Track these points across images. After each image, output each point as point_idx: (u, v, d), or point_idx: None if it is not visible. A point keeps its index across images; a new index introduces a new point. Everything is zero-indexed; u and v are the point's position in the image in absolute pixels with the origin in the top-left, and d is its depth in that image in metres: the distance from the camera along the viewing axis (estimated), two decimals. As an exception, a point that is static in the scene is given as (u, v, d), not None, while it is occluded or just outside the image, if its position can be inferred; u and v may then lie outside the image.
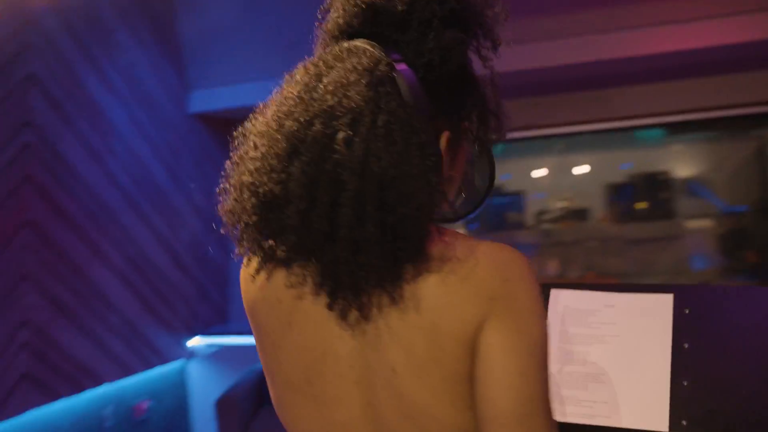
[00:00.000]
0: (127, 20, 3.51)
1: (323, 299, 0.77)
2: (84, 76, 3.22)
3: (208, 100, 3.97)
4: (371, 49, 0.79)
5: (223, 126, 4.30)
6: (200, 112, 4.01)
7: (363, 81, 0.75)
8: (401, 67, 0.78)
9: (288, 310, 0.81)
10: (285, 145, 0.75)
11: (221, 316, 4.38)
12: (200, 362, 4.14)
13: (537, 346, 0.75)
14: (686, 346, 0.98)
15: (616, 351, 1.01)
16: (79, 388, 3.22)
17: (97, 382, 3.33)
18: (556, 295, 1.11)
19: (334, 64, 0.78)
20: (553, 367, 1.05)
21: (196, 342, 4.04)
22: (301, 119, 0.75)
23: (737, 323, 0.97)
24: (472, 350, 0.75)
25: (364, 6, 0.80)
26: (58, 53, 3.07)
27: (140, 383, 3.64)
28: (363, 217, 0.71)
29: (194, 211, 4.07)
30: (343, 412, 0.80)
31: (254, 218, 0.78)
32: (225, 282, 4.41)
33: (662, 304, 1.02)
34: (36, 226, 2.98)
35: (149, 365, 3.69)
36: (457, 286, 0.74)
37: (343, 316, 0.78)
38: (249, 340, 3.90)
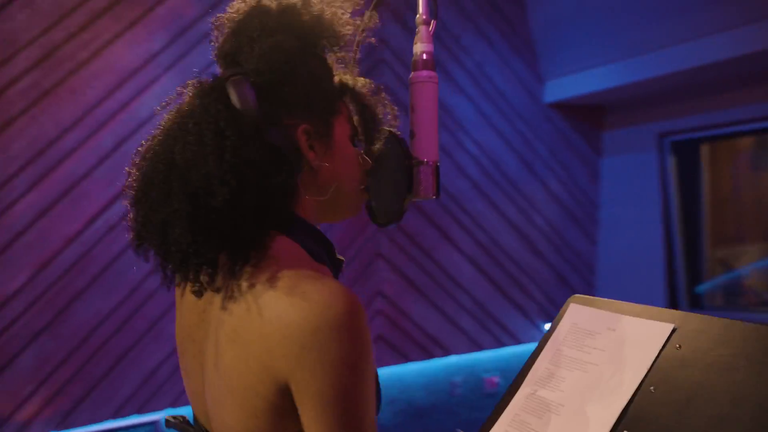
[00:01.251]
0: (474, 24, 3.81)
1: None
2: (431, 81, 3.65)
3: (561, 88, 3.99)
4: (221, 69, 0.93)
5: (578, 113, 4.25)
6: (554, 101, 4.05)
7: (193, 95, 0.89)
8: (235, 78, 0.87)
9: (179, 296, 1.01)
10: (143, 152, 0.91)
11: (586, 304, 4.35)
12: (559, 347, 4.21)
13: (346, 397, 0.77)
14: (652, 389, 0.86)
15: (588, 383, 0.93)
16: (428, 355, 3.69)
17: (446, 352, 3.75)
18: (572, 310, 1.06)
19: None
20: (530, 387, 1.00)
21: (553, 327, 4.13)
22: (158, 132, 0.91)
23: (721, 377, 0.80)
24: (278, 386, 0.79)
25: (221, 37, 0.94)
26: (407, 66, 3.57)
27: (491, 359, 3.93)
28: (174, 208, 0.82)
29: (550, 198, 4.15)
30: (194, 384, 0.95)
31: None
32: (589, 269, 4.35)
33: (658, 334, 0.90)
34: (388, 213, 3.54)
35: (500, 344, 3.95)
36: (273, 318, 0.78)
37: (196, 305, 0.92)
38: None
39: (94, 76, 2.74)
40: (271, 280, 0.80)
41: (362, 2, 1.02)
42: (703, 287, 4.01)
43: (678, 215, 3.97)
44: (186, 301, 0.96)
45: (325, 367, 0.76)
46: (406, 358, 3.61)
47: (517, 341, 4.03)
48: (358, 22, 1.02)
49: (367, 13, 1.05)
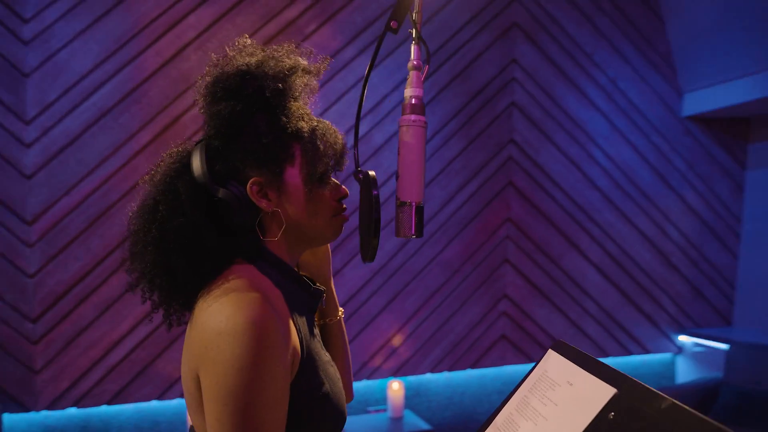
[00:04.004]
0: (609, 41, 3.92)
1: None
2: (562, 98, 3.83)
3: (701, 101, 3.97)
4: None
5: (721, 125, 4.18)
6: (694, 114, 4.03)
7: (166, 164, 1.05)
8: (197, 146, 1.02)
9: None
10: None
11: (723, 318, 4.28)
12: (688, 359, 4.20)
13: (233, 397, 0.84)
14: None
15: None
16: (552, 357, 3.89)
17: (570, 355, 3.92)
18: (547, 357, 1.04)
19: None
20: (493, 429, 1.02)
21: (686, 339, 4.14)
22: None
23: None
24: (196, 382, 0.92)
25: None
26: (537, 82, 3.78)
27: (615, 365, 4.02)
28: (145, 253, 0.98)
29: (688, 211, 4.14)
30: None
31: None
32: (728, 284, 4.27)
33: (599, 397, 0.87)
34: (516, 221, 3.79)
35: (627, 351, 4.04)
36: (198, 325, 0.91)
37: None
38: (724, 345, 3.82)
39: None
40: (207, 296, 0.93)
41: (313, 52, 1.10)
42: None
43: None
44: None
45: (216, 365, 0.85)
46: (530, 359, 3.84)
47: (646, 350, 4.09)
48: (321, 62, 1.09)
49: (320, 63, 1.10)
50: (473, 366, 3.77)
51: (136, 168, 3.10)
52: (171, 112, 3.15)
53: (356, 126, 1.09)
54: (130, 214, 1.03)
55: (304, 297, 1.05)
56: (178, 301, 1.00)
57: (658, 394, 0.80)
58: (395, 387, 3.44)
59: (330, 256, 1.21)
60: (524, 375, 1.07)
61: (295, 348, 0.95)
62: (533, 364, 1.06)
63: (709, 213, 4.19)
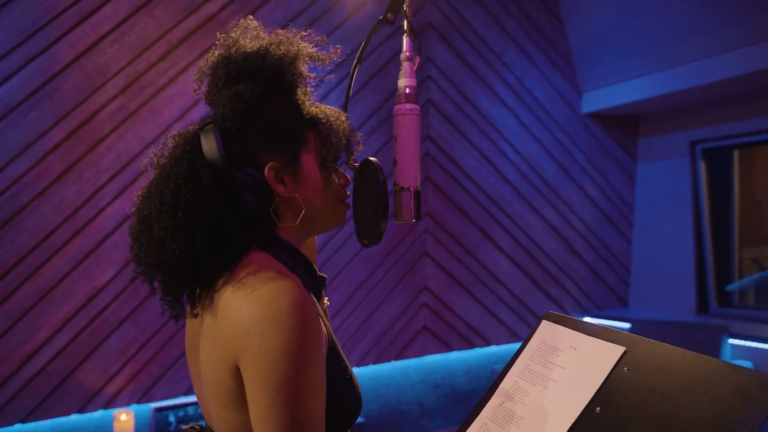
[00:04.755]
0: (515, 42, 4.13)
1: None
2: (474, 96, 4.00)
3: (598, 99, 4.28)
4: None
5: (615, 122, 4.53)
6: (592, 111, 4.34)
7: (172, 146, 1.01)
8: (207, 128, 0.98)
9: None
10: None
11: (621, 299, 4.63)
12: (594, 340, 4.51)
13: (286, 382, 0.83)
14: (597, 410, 0.90)
15: (548, 399, 0.97)
16: (470, 345, 4.06)
17: (487, 342, 4.11)
18: (542, 327, 1.09)
19: None
20: (499, 398, 1.06)
21: (589, 321, 4.43)
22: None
23: (657, 402, 0.85)
24: (233, 373, 0.88)
25: (202, 83, 1.07)
26: (451, 81, 3.92)
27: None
28: (167, 239, 0.93)
29: (587, 201, 4.45)
30: (197, 389, 1.06)
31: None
32: (624, 268, 4.63)
33: (609, 356, 0.93)
34: (433, 215, 3.91)
35: (537, 335, 4.28)
36: (229, 314, 0.88)
37: (197, 317, 1.00)
38: (622, 324, 4.13)
39: (171, 98, 3.19)
40: (235, 284, 0.90)
41: (326, 40, 1.12)
42: (731, 286, 4.24)
43: (708, 217, 4.21)
44: (190, 314, 1.01)
45: (264, 352, 0.83)
46: (449, 348, 3.98)
47: (554, 333, 4.34)
48: (333, 52, 1.09)
49: (332, 49, 1.09)
50: (397, 357, 3.87)
51: (48, 167, 2.93)
52: (87, 108, 3.01)
53: (345, 108, 1.13)
54: (136, 200, 1.00)
55: (311, 284, 1.05)
56: (196, 291, 0.97)
57: (666, 345, 0.87)
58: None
59: (316, 250, 1.24)
60: (516, 351, 1.12)
61: (324, 333, 0.95)
62: (522, 341, 1.12)
63: (606, 203, 4.52)
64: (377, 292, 3.77)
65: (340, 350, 1.02)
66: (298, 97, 1.03)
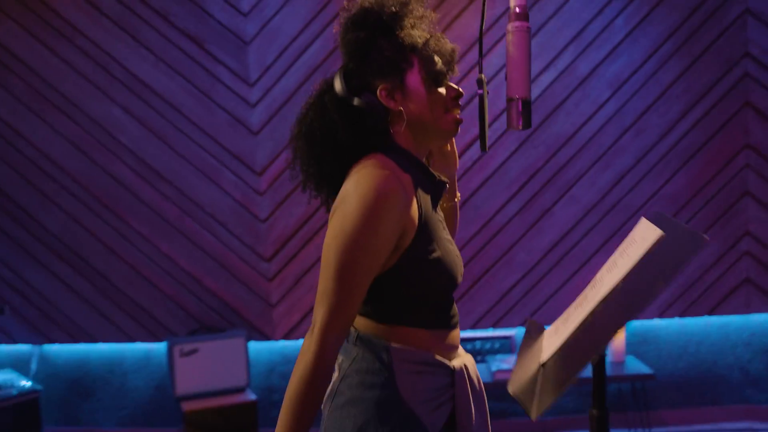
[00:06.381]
0: None
1: None
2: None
3: None
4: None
5: None
6: None
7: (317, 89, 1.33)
8: (335, 72, 1.29)
9: None
10: None
11: None
12: None
13: (344, 236, 1.12)
14: (620, 285, 1.03)
15: (604, 281, 1.09)
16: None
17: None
18: (640, 224, 1.15)
19: None
20: (588, 288, 1.17)
21: None
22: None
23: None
24: None
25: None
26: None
27: None
28: (298, 147, 1.29)
29: None
30: None
31: None
32: None
33: (648, 239, 1.04)
34: (757, 147, 3.31)
35: None
36: (341, 191, 1.19)
37: None
38: None
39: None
40: (352, 173, 1.19)
41: None
42: None
43: None
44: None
45: (340, 213, 1.14)
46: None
47: None
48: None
49: None
50: (710, 313, 3.38)
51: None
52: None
53: (479, 41, 1.29)
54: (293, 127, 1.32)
55: (427, 185, 1.25)
56: (326, 186, 1.27)
57: (680, 225, 1.01)
58: (613, 329, 3.23)
59: (457, 160, 1.43)
60: None
61: (412, 218, 1.16)
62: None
63: None
64: (682, 237, 3.35)
65: (437, 239, 1.21)
66: (404, 30, 1.24)
